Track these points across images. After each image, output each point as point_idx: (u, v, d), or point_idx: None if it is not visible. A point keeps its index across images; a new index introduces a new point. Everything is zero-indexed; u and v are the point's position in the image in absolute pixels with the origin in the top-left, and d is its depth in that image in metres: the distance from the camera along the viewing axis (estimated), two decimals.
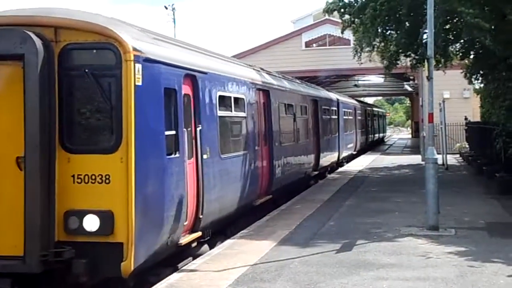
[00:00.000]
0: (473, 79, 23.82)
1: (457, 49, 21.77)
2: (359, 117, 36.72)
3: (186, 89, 9.69)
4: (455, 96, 32.68)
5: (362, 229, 11.57)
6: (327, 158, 23.57)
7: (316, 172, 21.31)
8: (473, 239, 10.51)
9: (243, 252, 9.95)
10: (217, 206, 10.71)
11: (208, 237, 10.45)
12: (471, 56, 22.02)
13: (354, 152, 33.46)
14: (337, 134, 26.33)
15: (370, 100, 76.37)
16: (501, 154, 17.73)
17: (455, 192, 16.32)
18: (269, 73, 16.50)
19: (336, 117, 26.45)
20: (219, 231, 11.38)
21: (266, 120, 14.68)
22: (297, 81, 20.89)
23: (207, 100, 10.56)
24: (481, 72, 22.27)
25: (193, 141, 9.84)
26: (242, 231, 11.81)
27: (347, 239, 10.65)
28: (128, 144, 7.77)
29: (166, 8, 57.50)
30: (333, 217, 13.19)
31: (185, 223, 9.30)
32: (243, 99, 12.74)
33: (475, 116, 32.46)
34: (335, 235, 11.08)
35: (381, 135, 58.10)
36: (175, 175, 8.90)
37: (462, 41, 19.81)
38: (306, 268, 8.74)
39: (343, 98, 31.04)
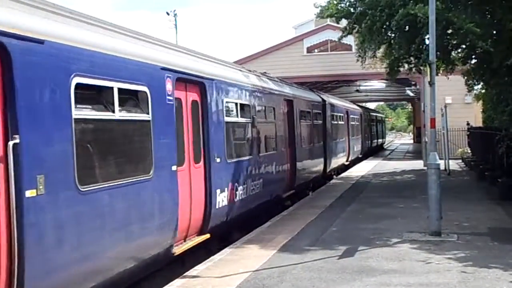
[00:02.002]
0: (474, 85, 23.83)
1: (459, 54, 21.78)
2: (353, 122, 33.10)
3: None
4: (457, 101, 32.70)
5: (364, 235, 11.55)
6: (309, 172, 19.92)
7: (291, 191, 17.24)
8: (476, 245, 10.47)
9: (245, 258, 9.93)
10: (81, 270, 6.77)
11: None
12: (473, 61, 22.04)
13: (346, 163, 29.97)
14: (322, 143, 22.51)
15: (372, 105, 76.46)
16: (503, 159, 17.70)
17: (457, 198, 16.28)
18: (210, 59, 12.14)
19: (321, 121, 22.64)
20: None
21: (202, 126, 10.62)
22: (257, 73, 15.94)
23: (43, 90, 6.24)
24: (483, 77, 22.28)
25: (1, 165, 5.73)
26: (244, 237, 11.80)
27: (349, 245, 10.62)
28: None
29: (168, 14, 57.77)
30: (335, 222, 13.17)
31: None
32: (144, 92, 8.36)
33: (477, 121, 32.45)
34: (338, 241, 11.06)
35: (380, 141, 55.80)
36: None
37: (463, 46, 19.82)
38: (308, 274, 8.72)
39: (332, 100, 27.27)
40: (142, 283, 8.80)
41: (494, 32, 17.58)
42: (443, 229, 11.35)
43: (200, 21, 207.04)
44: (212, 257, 10.14)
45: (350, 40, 26.75)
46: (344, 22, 21.99)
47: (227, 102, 11.95)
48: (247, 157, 13.15)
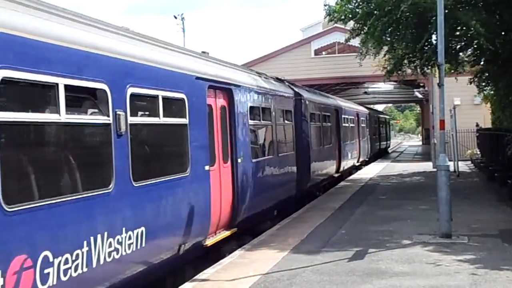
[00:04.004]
0: (483, 85, 23.77)
1: (468, 56, 21.71)
2: (346, 124, 27.50)
3: None
4: (466, 102, 32.66)
5: (374, 237, 11.52)
6: (267, 197, 13.96)
7: (229, 231, 11.48)
8: (486, 247, 10.42)
9: (254, 261, 9.93)
10: None
11: None
12: (482, 63, 21.97)
13: (336, 174, 24.29)
14: (294, 152, 16.86)
15: (380, 107, 76.36)
16: None
17: (467, 199, 16.22)
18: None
19: (291, 123, 17.05)
20: None
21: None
22: (148, 38, 9.20)
23: None
24: (491, 78, 22.23)
25: None
26: (253, 240, 11.77)
27: (359, 247, 10.60)
28: None
29: (176, 17, 58.29)
30: (344, 225, 13.14)
31: None
32: None
33: (486, 122, 32.33)
34: (347, 243, 11.03)
35: (383, 144, 49.97)
36: None
37: (472, 47, 19.76)
38: (318, 277, 8.70)
39: (313, 95, 21.12)
40: (151, 287, 8.79)
41: (503, 33, 17.53)
42: (453, 231, 11.31)
43: (208, 24, 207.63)
44: (221, 260, 10.14)
45: (358, 42, 26.68)
46: (351, 24, 21.96)
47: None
48: (92, 192, 6.72)
